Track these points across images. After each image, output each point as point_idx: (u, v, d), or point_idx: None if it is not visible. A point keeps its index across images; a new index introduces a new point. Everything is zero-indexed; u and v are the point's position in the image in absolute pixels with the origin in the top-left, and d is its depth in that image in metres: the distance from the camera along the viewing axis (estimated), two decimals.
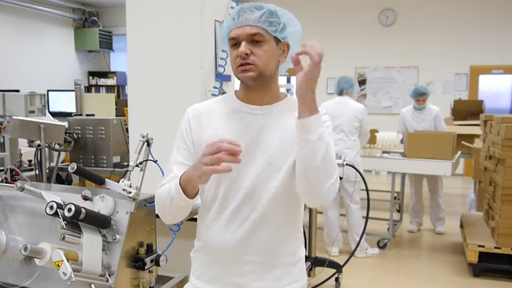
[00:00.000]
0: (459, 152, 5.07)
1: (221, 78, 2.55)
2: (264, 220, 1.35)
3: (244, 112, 1.39)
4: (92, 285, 1.54)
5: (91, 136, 3.76)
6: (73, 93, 6.97)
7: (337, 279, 3.70)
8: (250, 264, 1.37)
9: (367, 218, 3.67)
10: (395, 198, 5.06)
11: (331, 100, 4.49)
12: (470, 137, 5.77)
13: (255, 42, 1.31)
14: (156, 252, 1.83)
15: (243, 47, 1.30)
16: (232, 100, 1.43)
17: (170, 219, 1.42)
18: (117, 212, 1.71)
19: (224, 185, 1.37)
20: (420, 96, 5.17)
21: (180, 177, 1.29)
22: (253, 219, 1.35)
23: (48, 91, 7.60)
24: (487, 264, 3.91)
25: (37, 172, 3.55)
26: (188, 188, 1.27)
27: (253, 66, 1.30)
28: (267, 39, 1.32)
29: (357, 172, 3.77)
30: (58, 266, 1.42)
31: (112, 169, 3.61)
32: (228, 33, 1.36)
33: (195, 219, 1.48)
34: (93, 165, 3.76)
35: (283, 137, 1.35)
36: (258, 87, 1.36)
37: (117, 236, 1.67)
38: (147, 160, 1.81)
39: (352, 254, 3.78)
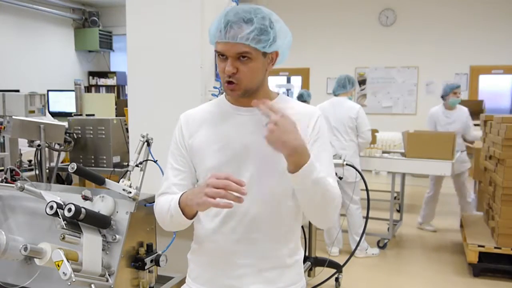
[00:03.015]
0: (459, 152, 5.07)
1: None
2: (260, 222, 1.35)
3: (235, 114, 1.38)
4: (92, 285, 1.54)
5: (91, 136, 3.75)
6: (73, 93, 6.96)
7: (337, 279, 3.70)
8: (246, 266, 1.37)
9: (367, 218, 3.67)
10: (395, 198, 5.06)
11: (327, 101, 4.48)
12: None
13: (242, 58, 1.27)
14: (156, 252, 1.83)
15: (229, 66, 1.27)
16: (223, 103, 1.42)
17: (170, 229, 1.44)
18: (117, 212, 1.71)
19: None
20: (457, 88, 5.03)
21: (180, 198, 1.30)
22: (248, 221, 1.34)
23: (48, 91, 7.61)
24: (487, 264, 3.91)
25: (37, 172, 3.55)
26: (187, 210, 1.29)
27: (238, 85, 1.29)
28: (254, 57, 1.27)
29: (356, 172, 3.77)
30: (58, 266, 1.42)
31: (112, 169, 3.61)
32: (214, 42, 1.32)
33: None
34: (93, 165, 3.76)
35: None
36: (245, 96, 1.35)
37: (117, 236, 1.67)
38: (147, 160, 1.81)
39: (352, 254, 3.78)
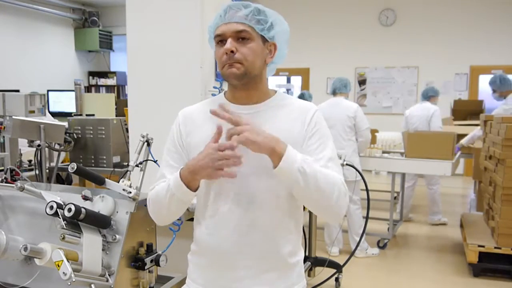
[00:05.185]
0: (459, 152, 5.07)
1: (221, 78, 2.54)
2: (258, 223, 1.34)
3: (232, 112, 1.38)
4: (92, 285, 1.54)
5: (91, 136, 3.75)
6: (73, 93, 6.97)
7: (337, 279, 3.71)
8: (246, 267, 1.36)
9: (367, 218, 3.67)
10: (395, 198, 5.06)
11: (325, 102, 4.51)
12: None
13: (241, 40, 1.30)
14: (156, 252, 1.83)
15: (229, 44, 1.28)
16: (221, 100, 1.42)
17: (166, 219, 1.43)
18: (117, 212, 1.71)
19: (214, 189, 1.36)
20: None
21: (180, 172, 1.29)
22: (246, 222, 1.33)
23: (48, 91, 7.62)
24: (487, 264, 3.91)
25: (37, 172, 3.54)
26: (192, 182, 1.28)
27: (238, 64, 1.29)
28: (253, 37, 1.30)
29: (356, 172, 3.77)
30: (58, 266, 1.42)
31: (112, 169, 3.61)
32: (214, 33, 1.34)
33: None
34: (93, 165, 3.75)
35: (275, 134, 1.33)
36: (244, 87, 1.35)
37: (117, 236, 1.67)
38: (147, 160, 1.81)
39: (352, 254, 3.78)
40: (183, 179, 1.28)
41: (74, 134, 3.76)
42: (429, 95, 5.63)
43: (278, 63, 1.42)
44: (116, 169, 3.59)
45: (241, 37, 1.29)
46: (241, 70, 1.30)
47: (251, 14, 1.30)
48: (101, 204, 1.70)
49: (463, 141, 5.35)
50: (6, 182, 1.98)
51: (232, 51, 1.28)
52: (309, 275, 3.65)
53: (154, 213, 1.42)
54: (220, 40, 1.32)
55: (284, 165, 1.21)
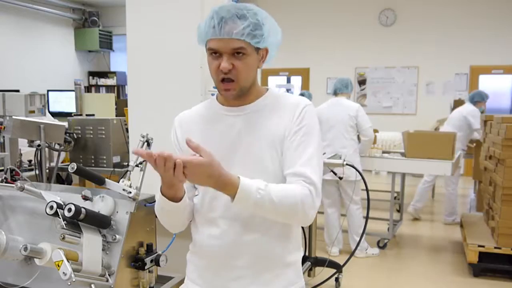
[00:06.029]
0: (459, 152, 5.07)
1: None
2: (252, 223, 1.33)
3: (224, 115, 1.38)
4: (92, 285, 1.54)
5: (91, 136, 3.75)
6: (73, 93, 6.98)
7: (337, 279, 3.70)
8: (242, 267, 1.36)
9: (367, 218, 3.67)
10: (395, 198, 5.06)
11: (326, 102, 4.52)
12: None
13: (237, 54, 1.27)
14: (156, 252, 1.83)
15: (225, 62, 1.26)
16: (214, 104, 1.43)
17: (176, 227, 1.44)
18: (117, 212, 1.71)
19: (210, 190, 1.35)
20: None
21: (160, 188, 1.30)
22: (240, 223, 1.33)
23: (48, 91, 7.61)
24: (487, 264, 3.91)
25: (37, 172, 3.54)
26: (170, 193, 1.29)
27: (234, 83, 1.29)
28: (249, 52, 1.28)
29: (356, 172, 3.77)
30: (58, 266, 1.42)
31: (112, 169, 3.61)
32: (206, 40, 1.31)
33: None
34: (93, 165, 3.76)
35: (266, 136, 1.34)
36: (240, 94, 1.36)
37: (117, 236, 1.67)
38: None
39: (352, 254, 3.78)
40: (163, 193, 1.30)
41: (74, 134, 3.76)
42: (475, 101, 5.47)
43: (265, 63, 1.42)
44: (116, 169, 3.59)
45: (237, 52, 1.27)
46: (237, 89, 1.31)
47: (248, 29, 1.25)
48: (101, 204, 1.70)
49: None
50: (6, 182, 1.98)
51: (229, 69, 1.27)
52: (309, 275, 3.65)
53: (165, 226, 1.44)
54: (214, 52, 1.29)
55: (238, 201, 1.21)
